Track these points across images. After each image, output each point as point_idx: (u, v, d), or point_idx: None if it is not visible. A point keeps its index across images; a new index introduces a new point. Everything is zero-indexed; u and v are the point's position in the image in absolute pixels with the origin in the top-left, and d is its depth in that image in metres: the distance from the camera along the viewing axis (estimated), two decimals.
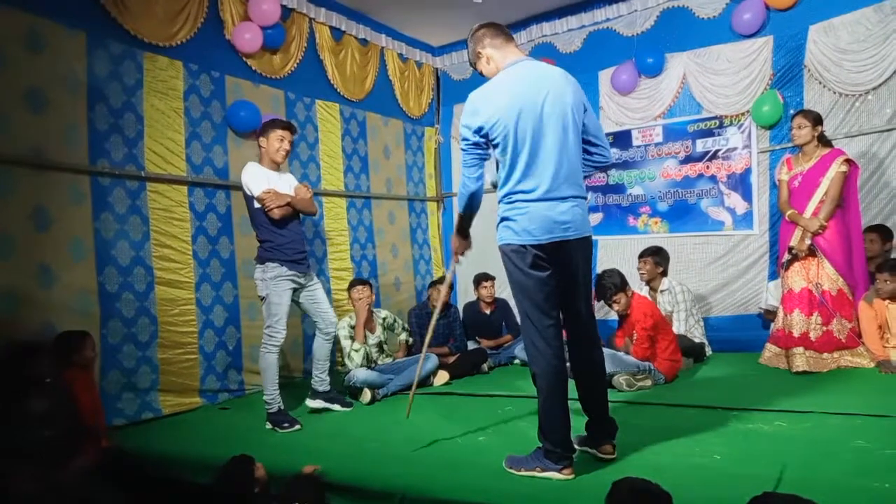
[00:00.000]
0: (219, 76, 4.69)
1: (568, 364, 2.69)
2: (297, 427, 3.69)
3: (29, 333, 3.41)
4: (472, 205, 2.71)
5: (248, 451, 2.71)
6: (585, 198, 2.62)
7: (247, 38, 4.75)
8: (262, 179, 3.73)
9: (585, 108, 2.61)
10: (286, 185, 3.86)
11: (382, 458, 3.02)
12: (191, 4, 4.42)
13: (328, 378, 4.07)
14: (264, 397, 3.79)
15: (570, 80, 2.60)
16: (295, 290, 3.84)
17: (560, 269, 2.57)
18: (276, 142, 3.78)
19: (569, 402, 2.66)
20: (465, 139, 2.60)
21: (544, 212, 2.49)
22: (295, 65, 5.27)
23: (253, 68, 4.93)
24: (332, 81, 5.64)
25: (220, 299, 4.61)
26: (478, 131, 2.55)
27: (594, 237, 3.15)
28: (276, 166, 3.86)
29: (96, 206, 3.91)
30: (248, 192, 3.74)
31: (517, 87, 2.52)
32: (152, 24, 4.19)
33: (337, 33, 5.68)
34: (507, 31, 2.70)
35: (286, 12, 5.13)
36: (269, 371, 3.77)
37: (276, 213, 3.69)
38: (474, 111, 2.56)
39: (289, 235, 3.77)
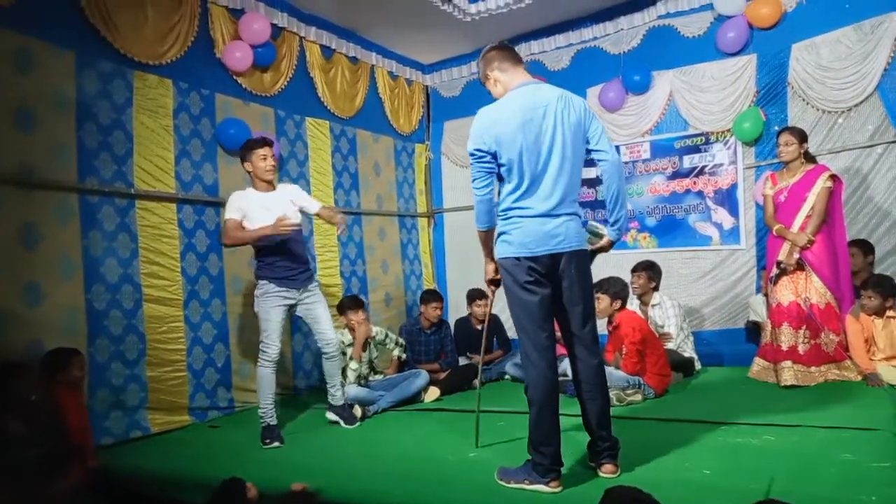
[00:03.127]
0: (209, 94, 4.70)
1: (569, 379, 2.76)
2: (276, 444, 3.69)
3: (14, 353, 3.37)
4: (488, 218, 2.72)
5: (237, 470, 2.70)
6: (578, 215, 2.71)
7: (237, 56, 4.78)
8: (234, 209, 3.75)
9: (588, 123, 2.68)
10: (282, 201, 3.83)
11: (372, 475, 3.01)
12: (181, 23, 4.45)
13: (339, 393, 4.11)
14: (258, 410, 3.85)
15: (568, 101, 2.66)
16: (292, 307, 3.88)
17: (555, 283, 2.65)
18: (260, 161, 3.81)
19: (562, 417, 2.69)
20: (472, 154, 2.68)
21: (539, 226, 2.59)
22: (285, 83, 5.30)
23: (243, 86, 4.95)
24: (322, 99, 5.67)
25: (208, 316, 4.59)
26: (485, 149, 2.64)
27: None
28: (270, 185, 3.89)
29: (85, 223, 3.89)
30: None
31: (522, 111, 2.61)
32: (142, 42, 4.20)
33: (327, 51, 5.73)
34: (515, 54, 2.80)
35: (276, 31, 5.16)
36: (261, 385, 3.83)
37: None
38: (483, 130, 2.66)
39: (278, 253, 3.79)
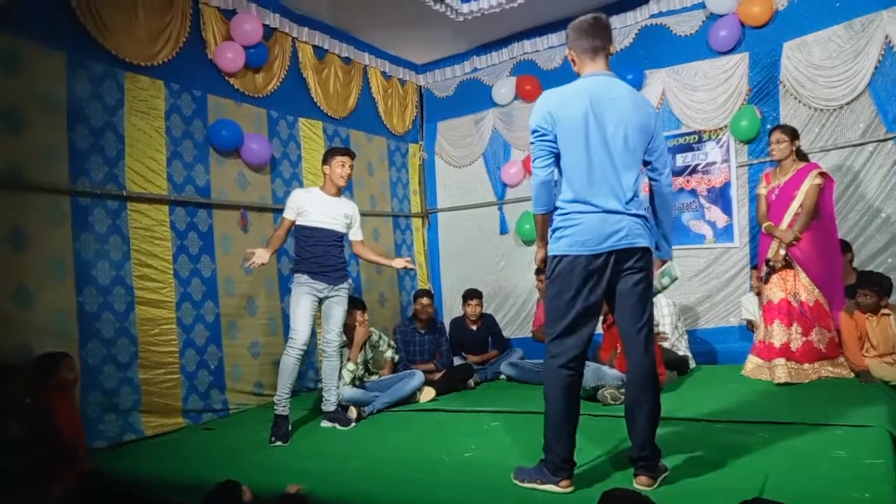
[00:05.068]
0: (201, 95, 4.69)
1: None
2: (280, 444, 3.71)
3: (5, 356, 3.35)
4: (546, 199, 2.59)
5: (232, 472, 2.70)
6: (644, 216, 2.59)
7: (229, 57, 4.76)
8: (290, 208, 4.01)
9: (655, 131, 2.61)
10: (337, 210, 4.07)
11: (367, 476, 3.00)
12: (172, 24, 4.43)
13: (333, 398, 4.13)
14: (274, 398, 3.90)
15: (637, 103, 2.60)
16: (321, 301, 4.01)
17: (611, 283, 2.56)
18: (339, 167, 4.03)
19: (584, 417, 2.64)
20: (535, 132, 2.58)
21: (598, 222, 2.50)
22: (278, 83, 5.28)
23: (235, 87, 4.93)
24: (315, 99, 5.66)
25: (201, 318, 4.57)
26: (547, 128, 2.55)
27: None
28: (337, 192, 4.10)
29: (76, 225, 3.87)
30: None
31: (591, 100, 2.51)
32: (134, 43, 4.18)
33: (320, 52, 5.72)
34: (597, 35, 2.59)
35: (269, 31, 5.15)
36: (281, 372, 3.90)
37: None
38: (546, 109, 2.56)
39: (316, 251, 3.96)
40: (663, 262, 2.85)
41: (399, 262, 4.32)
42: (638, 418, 2.58)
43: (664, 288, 2.86)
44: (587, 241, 2.50)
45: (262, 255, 3.85)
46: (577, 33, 2.62)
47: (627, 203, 2.53)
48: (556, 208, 2.61)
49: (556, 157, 2.58)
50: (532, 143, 2.61)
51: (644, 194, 2.66)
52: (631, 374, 2.63)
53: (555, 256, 2.58)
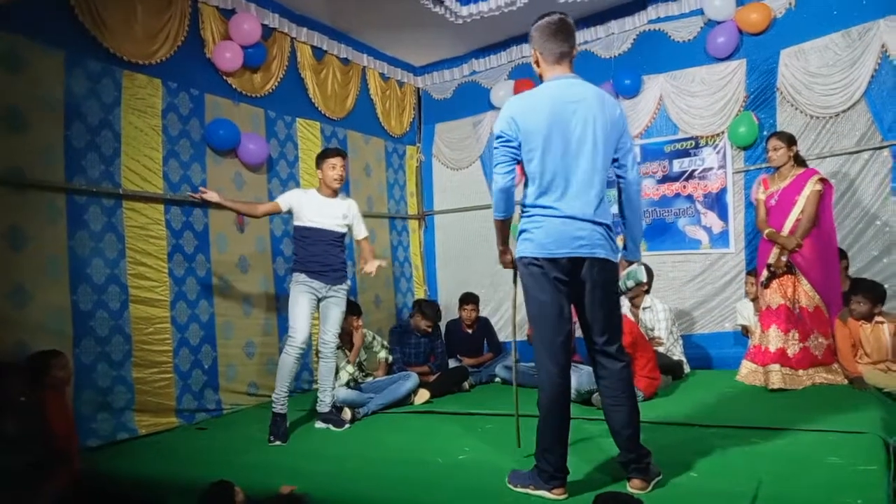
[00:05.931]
0: (198, 94, 4.68)
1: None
2: (279, 443, 3.72)
3: (1, 354, 3.34)
4: (505, 205, 2.63)
5: (225, 472, 2.69)
6: (608, 226, 2.57)
7: (227, 56, 4.76)
8: (283, 199, 4.06)
9: (622, 130, 2.60)
10: (335, 210, 4.05)
11: (361, 478, 2.99)
12: (171, 23, 4.42)
13: (328, 399, 4.12)
14: (272, 395, 3.90)
15: (604, 102, 2.57)
16: (319, 300, 4.01)
17: (574, 289, 2.56)
18: (330, 170, 4.03)
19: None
20: (498, 137, 2.58)
21: (560, 227, 2.50)
22: (276, 83, 5.28)
23: (233, 87, 4.93)
24: (312, 100, 5.66)
25: (195, 317, 4.56)
26: (511, 134, 2.55)
27: None
28: (333, 193, 4.09)
29: (71, 224, 3.86)
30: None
31: (553, 104, 2.51)
32: (132, 42, 4.18)
33: (318, 52, 5.72)
34: (566, 39, 2.57)
35: (267, 31, 5.15)
36: (280, 371, 3.90)
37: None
38: (510, 116, 2.55)
39: (314, 250, 3.97)
40: (630, 263, 2.84)
41: (369, 267, 4.16)
42: (617, 423, 2.60)
43: (628, 290, 2.86)
44: (548, 244, 2.51)
45: (212, 195, 3.95)
46: (545, 36, 2.58)
47: (595, 210, 2.52)
48: (523, 211, 2.63)
49: (519, 164, 2.59)
50: (496, 147, 2.61)
51: (611, 201, 2.64)
52: (601, 379, 2.65)
53: (521, 258, 2.60)
